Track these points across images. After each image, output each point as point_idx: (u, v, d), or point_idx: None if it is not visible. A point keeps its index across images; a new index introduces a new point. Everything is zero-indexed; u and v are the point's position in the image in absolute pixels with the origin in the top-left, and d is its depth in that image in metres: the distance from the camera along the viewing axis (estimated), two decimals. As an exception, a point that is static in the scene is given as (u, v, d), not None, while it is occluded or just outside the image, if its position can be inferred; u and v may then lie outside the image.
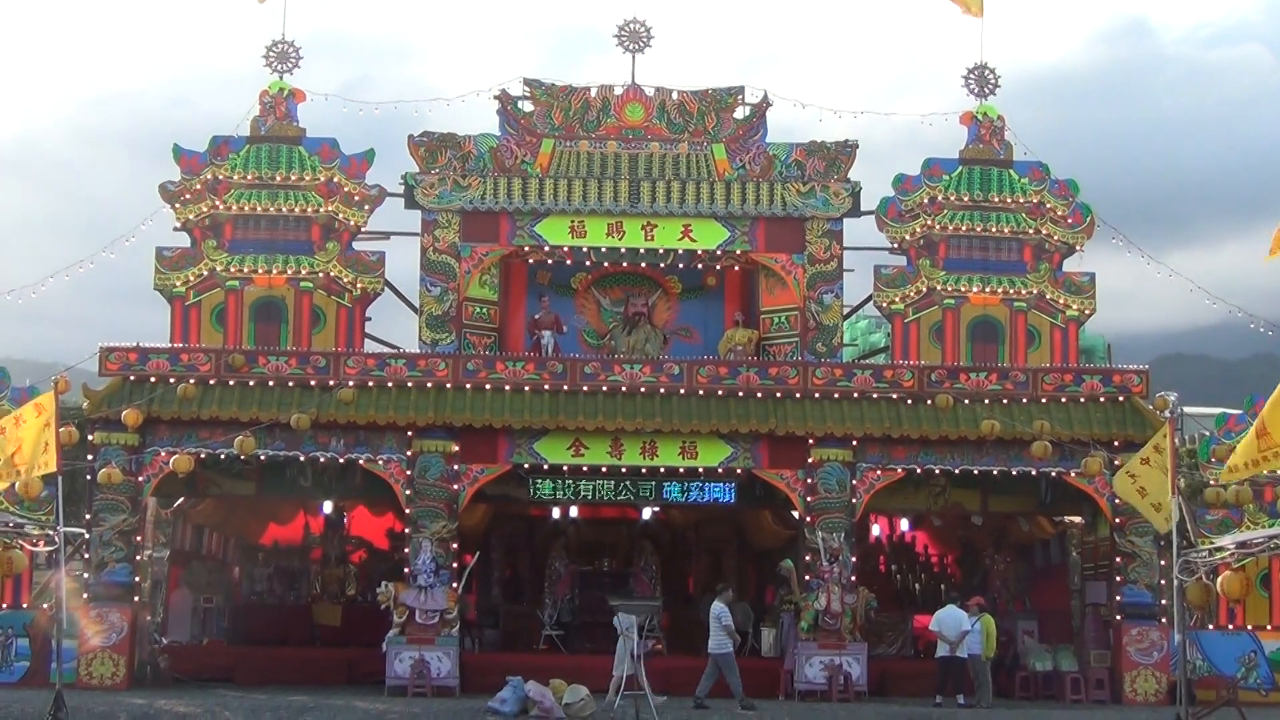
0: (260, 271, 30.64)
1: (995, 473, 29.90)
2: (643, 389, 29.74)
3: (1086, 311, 31.41)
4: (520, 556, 35.83)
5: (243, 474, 30.77)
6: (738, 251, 31.39)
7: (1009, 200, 31.40)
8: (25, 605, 29.01)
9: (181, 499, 31.85)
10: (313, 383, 29.36)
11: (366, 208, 30.98)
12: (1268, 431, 15.58)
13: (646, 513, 34.35)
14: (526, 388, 29.64)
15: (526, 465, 29.81)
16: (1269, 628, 29.81)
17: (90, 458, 28.67)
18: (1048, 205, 31.37)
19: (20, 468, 21.73)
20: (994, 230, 31.35)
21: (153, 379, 29.22)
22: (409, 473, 29.10)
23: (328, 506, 34.42)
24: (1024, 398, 29.91)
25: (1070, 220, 31.37)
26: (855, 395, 29.86)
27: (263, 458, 29.34)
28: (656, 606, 28.43)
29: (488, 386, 29.61)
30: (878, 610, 30.90)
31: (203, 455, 29.04)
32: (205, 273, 30.58)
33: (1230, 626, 29.86)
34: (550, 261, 32.29)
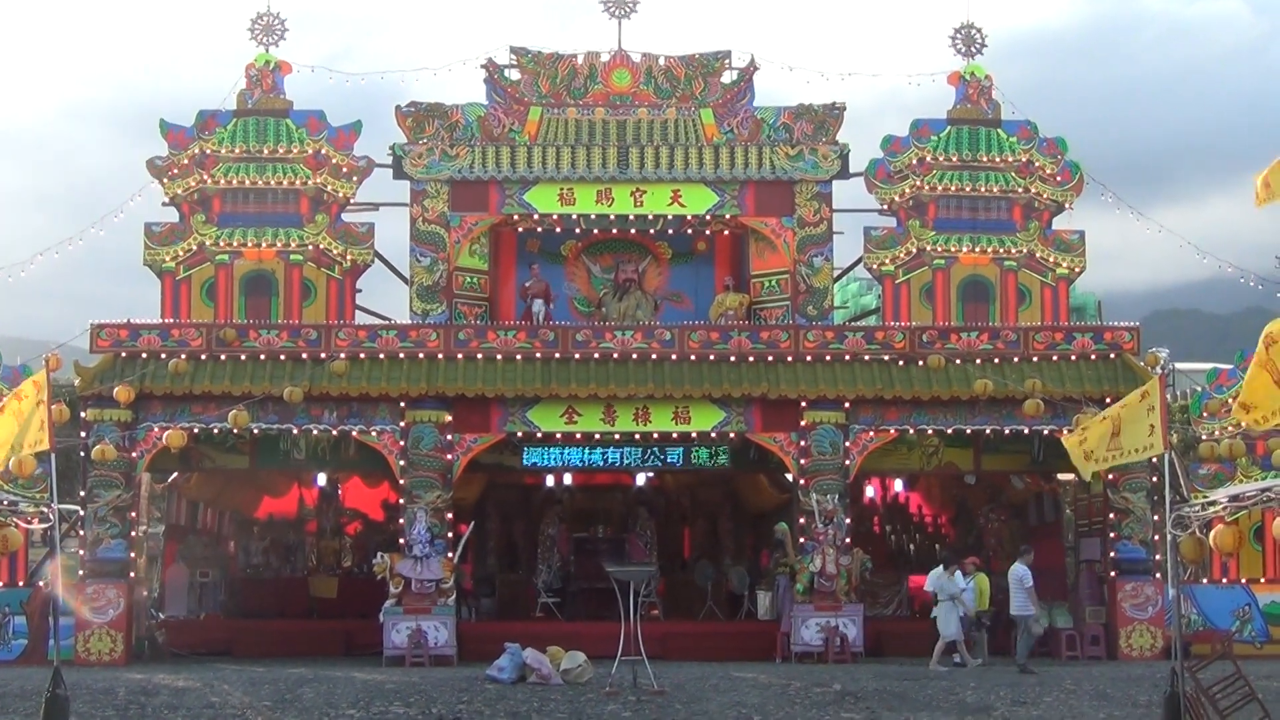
0: (250, 245, 30.62)
1: (988, 432, 29.97)
2: (634, 355, 29.76)
3: (1077, 269, 31.47)
4: (515, 525, 35.90)
5: (236, 448, 30.82)
6: (727, 216, 31.38)
7: (997, 159, 31.40)
8: (21, 583, 29.06)
9: (175, 474, 31.90)
10: (304, 355, 29.37)
11: (355, 179, 30.95)
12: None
13: (641, 479, 34.41)
14: (518, 356, 29.66)
15: (520, 433, 29.84)
16: (1263, 581, 29.95)
17: (83, 434, 28.67)
18: (1036, 164, 31.37)
19: (22, 444, 21.57)
20: (983, 190, 31.37)
21: (144, 355, 29.21)
22: (402, 443, 29.12)
23: (322, 479, 34.44)
24: (1015, 357, 29.97)
25: (1059, 178, 31.39)
26: (847, 357, 29.91)
27: (256, 431, 29.36)
28: (652, 572, 28.49)
29: (479, 356, 29.63)
30: (872, 571, 31.01)
31: (196, 430, 29.05)
32: (194, 247, 30.55)
33: (1224, 580, 30.00)
34: (540, 229, 32.27)
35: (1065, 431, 28.98)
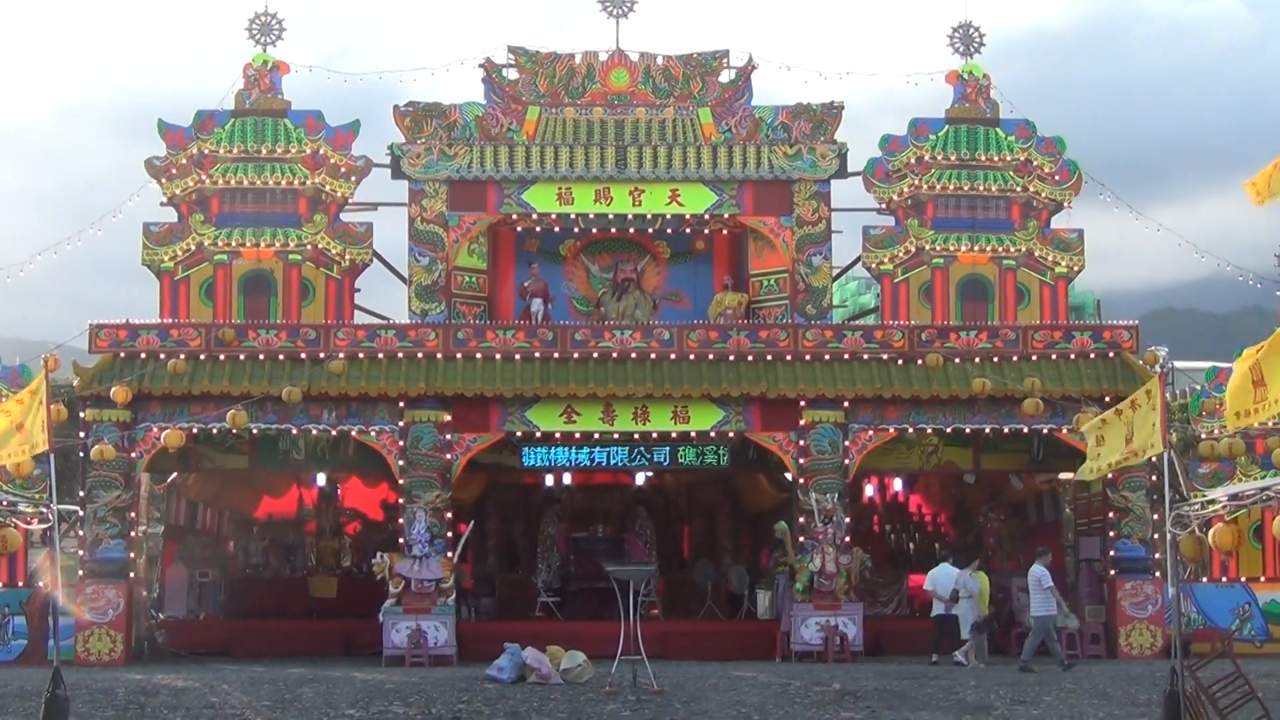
0: (248, 245, 30.60)
1: (987, 431, 29.96)
2: (633, 354, 29.76)
3: (1075, 268, 31.47)
4: (515, 524, 35.89)
5: (235, 448, 30.79)
6: (726, 215, 31.38)
7: (996, 158, 31.38)
8: (21, 583, 29.03)
9: (175, 474, 31.88)
10: (303, 355, 29.35)
11: (353, 179, 30.92)
12: (1264, 383, 15.42)
13: (640, 478, 34.40)
14: (517, 356, 29.65)
15: (519, 433, 29.83)
16: (1262, 579, 29.94)
17: (82, 435, 28.65)
18: (1034, 162, 31.35)
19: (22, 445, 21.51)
20: (981, 189, 31.35)
21: (143, 355, 29.21)
22: (401, 443, 29.10)
23: (321, 479, 34.39)
24: (1014, 355, 29.96)
25: (1058, 177, 31.37)
26: (846, 356, 29.90)
27: (255, 431, 29.35)
28: (652, 571, 28.50)
29: (478, 355, 29.62)
30: (872, 570, 31.01)
31: (195, 430, 29.04)
32: (193, 247, 30.53)
33: (1224, 579, 29.99)
34: (538, 229, 32.26)
35: (1065, 430, 29.10)
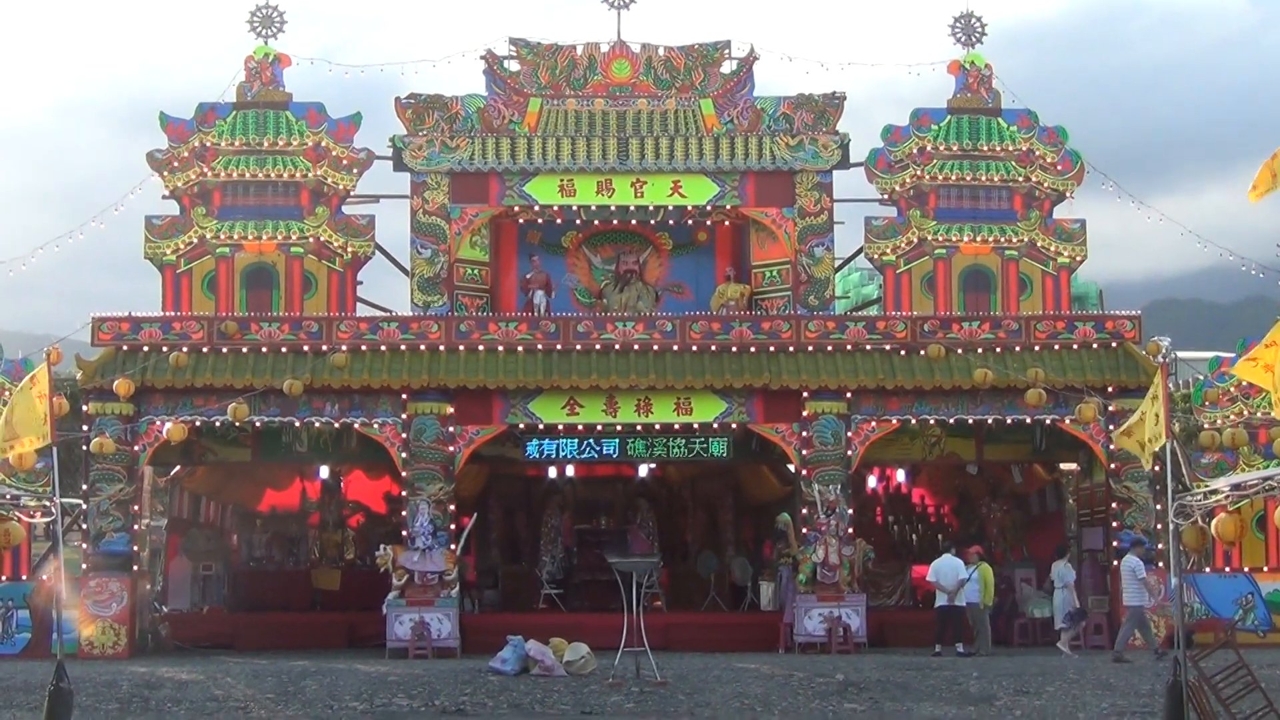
0: (250, 238, 30.57)
1: (990, 421, 29.96)
2: (636, 346, 29.74)
3: (1078, 258, 31.42)
4: (518, 517, 35.88)
5: (238, 441, 30.81)
6: (728, 206, 31.35)
7: (998, 149, 31.36)
8: (25, 577, 29.05)
9: (178, 467, 31.90)
10: (305, 348, 29.35)
11: (355, 171, 30.90)
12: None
13: (643, 470, 34.40)
14: (520, 348, 29.64)
15: (521, 425, 29.84)
16: (1265, 569, 29.92)
17: (85, 428, 28.67)
18: (1037, 152, 31.32)
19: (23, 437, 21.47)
20: (984, 179, 31.31)
21: (145, 348, 29.21)
22: (404, 436, 29.11)
23: (324, 471, 34.39)
24: (1017, 346, 29.94)
25: (1060, 167, 31.34)
26: (848, 347, 29.88)
27: (258, 424, 29.36)
28: (655, 563, 28.49)
29: (481, 347, 29.62)
30: (875, 561, 31.00)
31: (197, 423, 29.04)
32: (195, 240, 30.52)
33: (1227, 569, 29.97)
34: (540, 221, 32.24)
35: (1068, 420, 29.09)
